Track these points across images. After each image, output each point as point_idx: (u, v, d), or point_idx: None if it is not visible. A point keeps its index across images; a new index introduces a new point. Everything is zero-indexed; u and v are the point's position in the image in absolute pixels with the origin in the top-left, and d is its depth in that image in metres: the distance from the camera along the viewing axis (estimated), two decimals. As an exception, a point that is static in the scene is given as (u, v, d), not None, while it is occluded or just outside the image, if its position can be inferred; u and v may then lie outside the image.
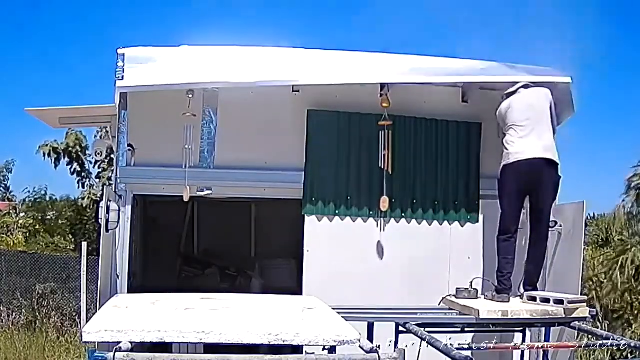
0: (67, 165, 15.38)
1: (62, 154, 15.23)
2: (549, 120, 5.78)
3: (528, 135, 5.71)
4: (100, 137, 11.76)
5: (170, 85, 5.60)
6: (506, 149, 5.77)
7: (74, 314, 12.24)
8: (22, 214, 17.70)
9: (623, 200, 13.11)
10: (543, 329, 5.39)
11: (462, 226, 6.36)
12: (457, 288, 5.64)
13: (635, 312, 10.49)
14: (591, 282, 10.82)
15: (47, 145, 15.17)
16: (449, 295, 5.65)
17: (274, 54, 5.88)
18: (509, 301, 5.48)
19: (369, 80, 5.87)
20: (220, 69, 5.70)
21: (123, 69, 5.43)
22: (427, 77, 5.92)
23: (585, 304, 5.26)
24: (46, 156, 15.20)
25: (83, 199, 15.13)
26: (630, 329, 10.12)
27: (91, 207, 14.53)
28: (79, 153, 15.27)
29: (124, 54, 5.55)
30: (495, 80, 6.03)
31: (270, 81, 5.67)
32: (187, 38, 6.88)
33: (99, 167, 15.00)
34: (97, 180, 15.14)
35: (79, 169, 15.46)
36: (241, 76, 5.62)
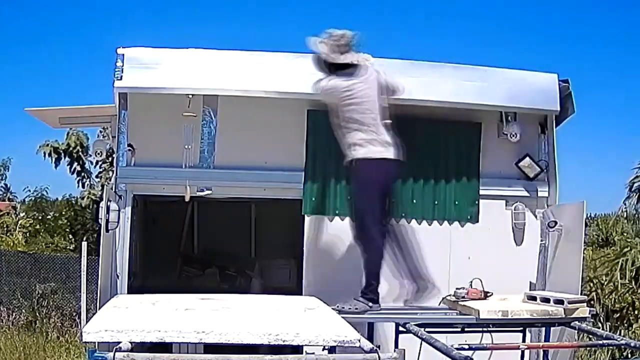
0: (68, 165, 15.33)
1: (62, 154, 15.17)
2: None
3: None
4: (104, 137, 11.73)
5: (169, 88, 5.63)
6: None
7: (74, 314, 12.21)
8: (22, 214, 17.67)
9: (625, 204, 13.05)
10: (543, 329, 5.39)
11: (462, 226, 6.35)
12: (457, 288, 5.64)
13: (636, 312, 10.47)
14: (591, 284, 10.80)
15: (47, 145, 15.08)
16: (449, 295, 5.65)
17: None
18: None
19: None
20: (220, 74, 5.71)
21: (122, 69, 5.44)
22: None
23: (585, 304, 5.26)
24: (46, 156, 15.13)
25: (83, 198, 15.08)
26: (630, 329, 10.11)
27: (91, 207, 14.48)
28: (80, 153, 15.21)
29: (123, 54, 5.56)
30: None
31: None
32: (190, 41, 6.87)
33: (99, 167, 14.96)
34: (97, 180, 15.10)
35: (79, 169, 15.41)
36: (239, 83, 5.70)
